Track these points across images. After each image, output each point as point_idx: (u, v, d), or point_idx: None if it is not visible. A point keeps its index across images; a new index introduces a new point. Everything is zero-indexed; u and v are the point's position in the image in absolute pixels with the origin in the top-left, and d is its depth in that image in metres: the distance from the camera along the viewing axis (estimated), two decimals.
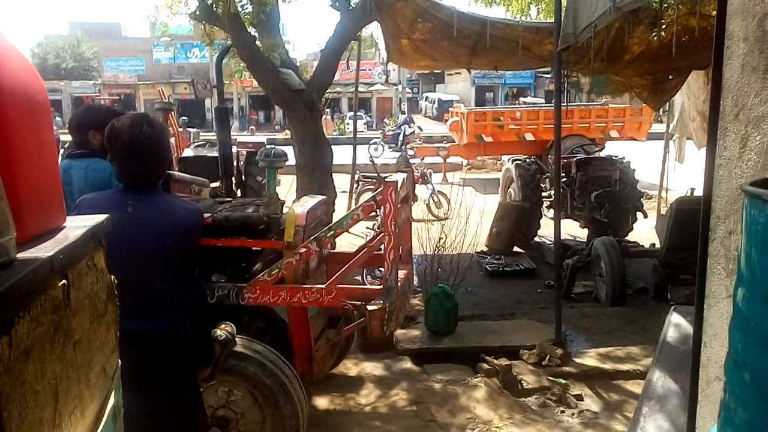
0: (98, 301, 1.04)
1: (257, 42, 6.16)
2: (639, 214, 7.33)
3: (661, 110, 8.35)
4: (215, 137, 6.33)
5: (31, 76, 0.98)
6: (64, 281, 0.89)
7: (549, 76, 23.46)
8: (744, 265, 0.95)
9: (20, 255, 0.84)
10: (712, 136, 1.45)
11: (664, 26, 4.49)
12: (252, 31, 6.26)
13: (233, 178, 6.27)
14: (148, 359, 2.06)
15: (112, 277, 1.12)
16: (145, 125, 2.10)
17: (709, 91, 1.53)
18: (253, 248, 3.51)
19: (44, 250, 0.87)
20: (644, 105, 7.88)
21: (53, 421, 0.84)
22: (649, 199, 8.95)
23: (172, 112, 7.14)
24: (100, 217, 1.09)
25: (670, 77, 6.33)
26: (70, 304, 0.91)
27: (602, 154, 8.72)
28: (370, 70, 31.42)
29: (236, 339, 2.87)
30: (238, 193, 6.93)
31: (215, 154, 6.24)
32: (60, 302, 0.88)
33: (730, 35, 1.42)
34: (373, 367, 4.27)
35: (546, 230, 8.02)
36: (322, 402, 3.79)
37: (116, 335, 1.13)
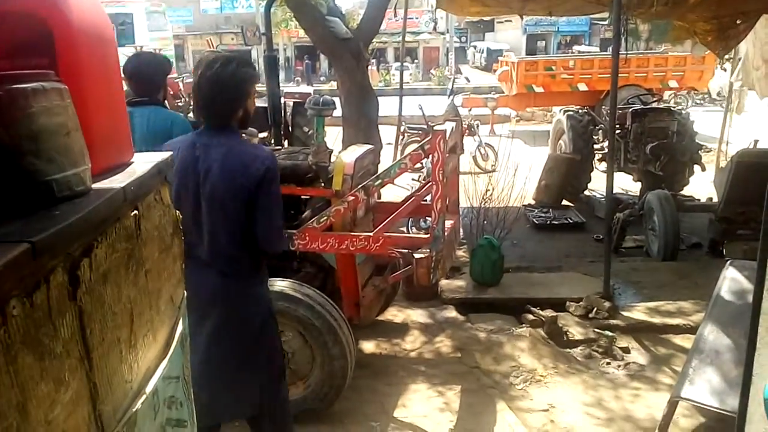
0: (165, 234, 1.09)
1: None
2: (697, 168, 7.05)
3: (726, 57, 7.86)
4: (263, 87, 6.37)
5: (99, 12, 1.01)
6: (135, 212, 0.94)
7: (605, 22, 22.35)
8: None
9: (94, 186, 0.89)
10: None
11: None
12: None
13: (281, 129, 6.33)
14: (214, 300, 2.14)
15: (177, 212, 1.17)
16: (219, 64, 2.08)
17: None
18: (302, 196, 3.57)
19: (116, 182, 0.92)
20: (707, 53, 7.45)
21: (129, 342, 0.90)
22: (708, 152, 8.57)
23: None
24: (165, 154, 1.13)
25: (738, 22, 5.93)
26: (141, 234, 0.96)
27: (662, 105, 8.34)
28: (417, 18, 30.62)
29: (286, 282, 2.98)
30: (285, 143, 7.01)
31: (263, 104, 6.30)
32: (132, 231, 0.92)
33: None
34: (418, 315, 4.34)
35: (596, 184, 7.83)
36: (368, 346, 3.90)
37: (182, 267, 1.19)
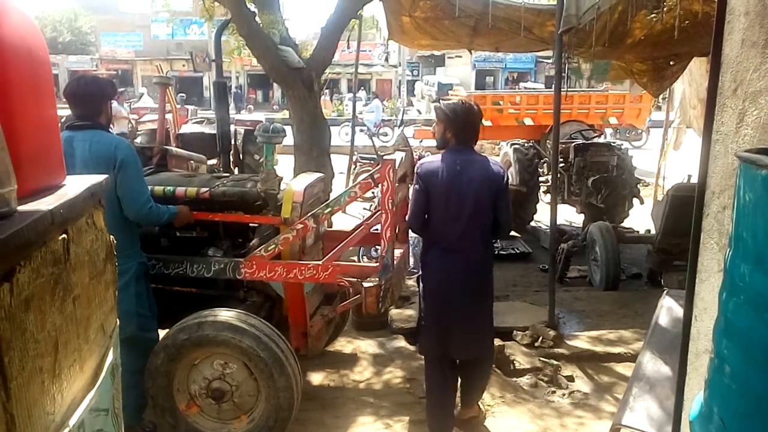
0: (97, 259, 1.05)
1: (257, 18, 6.10)
2: (635, 201, 7.35)
3: (661, 97, 8.32)
4: (213, 115, 6.30)
5: (32, 31, 0.98)
6: (64, 235, 0.90)
7: (550, 61, 23.31)
8: (735, 230, 0.97)
9: (21, 207, 0.85)
10: (710, 112, 1.45)
11: (666, 10, 4.46)
12: (252, 7, 6.19)
13: (230, 156, 6.24)
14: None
15: (111, 237, 1.13)
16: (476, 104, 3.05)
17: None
18: (250, 224, 3.52)
19: (45, 204, 0.88)
20: (644, 92, 7.85)
21: (53, 371, 0.85)
22: (646, 186, 8.97)
23: (170, 87, 7.08)
24: (100, 177, 1.10)
25: (671, 63, 6.30)
26: (70, 259, 0.92)
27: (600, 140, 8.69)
28: (370, 51, 31.20)
29: (231, 312, 2.91)
30: (236, 171, 6.92)
31: (213, 131, 6.21)
32: (60, 256, 0.88)
33: (731, 10, 1.42)
34: (367, 345, 4.30)
35: (542, 215, 8.05)
36: (316, 377, 3.83)
37: (115, 295, 1.14)
